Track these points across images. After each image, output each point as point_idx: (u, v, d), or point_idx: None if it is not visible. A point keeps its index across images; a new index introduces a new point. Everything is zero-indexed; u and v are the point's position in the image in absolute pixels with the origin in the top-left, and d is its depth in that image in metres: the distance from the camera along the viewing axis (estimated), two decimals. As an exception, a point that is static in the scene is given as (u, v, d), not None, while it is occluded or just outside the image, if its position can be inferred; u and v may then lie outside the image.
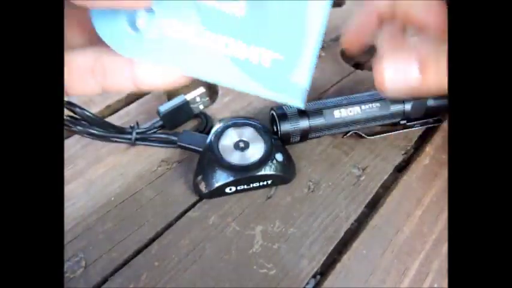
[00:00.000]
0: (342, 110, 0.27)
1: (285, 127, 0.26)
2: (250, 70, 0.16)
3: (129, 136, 0.26)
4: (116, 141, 0.27)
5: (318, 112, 0.26)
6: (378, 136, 0.29)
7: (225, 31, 0.16)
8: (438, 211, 0.24)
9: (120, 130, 0.27)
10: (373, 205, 0.25)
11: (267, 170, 0.24)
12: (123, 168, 0.26)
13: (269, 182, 0.24)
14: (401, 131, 0.29)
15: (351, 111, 0.27)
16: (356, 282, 0.21)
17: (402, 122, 0.29)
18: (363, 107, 0.27)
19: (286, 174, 0.25)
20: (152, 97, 0.31)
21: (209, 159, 0.24)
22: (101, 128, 0.26)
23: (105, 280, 0.20)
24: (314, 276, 0.21)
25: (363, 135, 0.28)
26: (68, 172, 0.25)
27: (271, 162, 0.24)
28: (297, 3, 0.16)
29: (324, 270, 0.22)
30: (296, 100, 0.17)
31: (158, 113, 0.27)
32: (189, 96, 0.27)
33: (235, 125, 0.25)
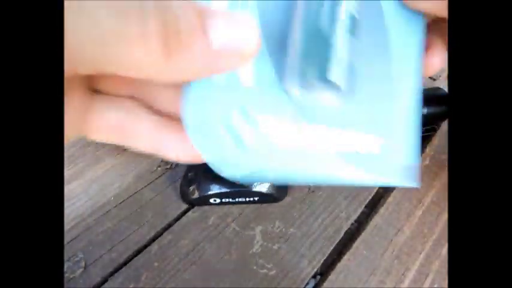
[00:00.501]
0: None
1: None
2: (361, 161, 0.16)
3: None
4: None
5: None
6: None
7: (325, 122, 0.15)
8: (438, 211, 0.24)
9: None
10: (373, 205, 0.25)
11: (259, 187, 0.23)
12: (123, 169, 0.26)
13: (256, 198, 0.24)
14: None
15: None
16: (356, 282, 0.21)
17: None
18: None
19: (278, 194, 0.24)
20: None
21: (200, 166, 0.23)
22: None
23: (105, 280, 0.20)
24: (314, 277, 0.21)
25: None
26: (67, 172, 0.25)
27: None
28: (387, 87, 0.16)
29: (324, 271, 0.22)
30: (411, 181, 0.16)
31: None
32: None
33: None
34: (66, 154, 0.26)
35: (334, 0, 0.14)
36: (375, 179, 0.16)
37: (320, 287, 0.21)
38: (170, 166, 0.26)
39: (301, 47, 0.14)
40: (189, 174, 0.24)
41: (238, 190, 0.23)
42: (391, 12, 0.16)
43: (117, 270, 0.21)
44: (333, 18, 0.14)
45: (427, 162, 0.27)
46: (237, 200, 0.23)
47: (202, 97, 0.15)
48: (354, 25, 0.14)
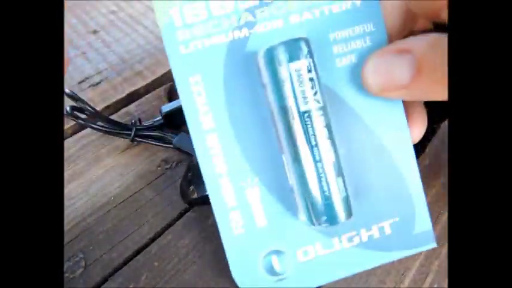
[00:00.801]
0: None
1: None
2: (379, 245, 0.17)
3: (128, 132, 0.26)
4: (116, 135, 0.27)
5: None
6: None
7: (343, 230, 0.17)
8: (438, 211, 0.24)
9: (122, 126, 0.27)
10: (373, 205, 0.25)
11: None
12: (123, 168, 0.26)
13: None
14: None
15: None
16: (356, 282, 0.21)
17: None
18: None
19: None
20: (152, 97, 0.31)
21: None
22: (104, 122, 0.26)
23: (105, 280, 0.20)
24: (314, 276, 0.21)
25: None
26: (67, 172, 0.25)
27: None
28: (389, 169, 0.17)
29: (324, 270, 0.22)
30: (428, 244, 0.18)
31: (160, 112, 0.27)
32: None
33: None
34: (66, 154, 0.26)
35: (313, 154, 0.15)
36: (394, 256, 0.17)
37: (320, 286, 0.21)
38: (170, 166, 0.26)
39: (300, 192, 0.16)
40: (189, 174, 0.24)
41: None
42: (361, 105, 0.16)
43: (117, 270, 0.21)
44: (317, 174, 0.15)
45: (427, 162, 0.27)
46: None
47: (232, 248, 0.17)
48: (339, 168, 0.15)
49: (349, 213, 0.16)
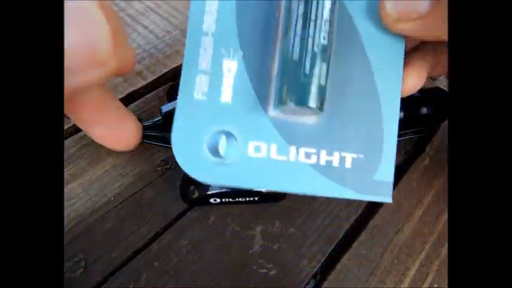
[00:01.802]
0: None
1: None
2: (334, 175, 0.16)
3: None
4: None
5: None
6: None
7: (304, 143, 0.16)
8: (438, 211, 0.24)
9: None
10: (373, 205, 0.25)
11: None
12: (123, 168, 0.26)
13: (256, 198, 0.23)
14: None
15: None
16: (356, 282, 0.21)
17: None
18: None
19: (278, 194, 0.24)
20: (152, 97, 0.31)
21: None
22: None
23: (105, 280, 0.20)
24: (314, 277, 0.21)
25: None
26: (67, 172, 0.25)
27: None
28: (371, 105, 0.17)
29: (324, 270, 0.22)
30: (384, 196, 0.17)
31: (160, 112, 0.27)
32: None
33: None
34: (66, 154, 0.26)
35: (304, 31, 0.14)
36: (346, 193, 0.17)
37: (320, 287, 0.21)
38: (170, 166, 0.26)
39: (279, 75, 0.15)
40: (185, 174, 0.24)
41: (239, 190, 0.23)
42: (369, 35, 0.16)
43: (117, 270, 0.21)
44: (305, 50, 0.14)
45: (427, 162, 0.27)
46: (237, 199, 0.23)
47: (185, 111, 0.16)
48: (325, 53, 0.15)
49: (321, 104, 0.14)
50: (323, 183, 0.16)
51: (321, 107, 0.15)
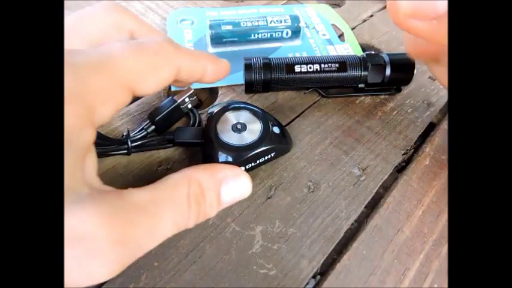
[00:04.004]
0: (303, 65, 0.29)
1: (249, 76, 0.29)
2: None
3: (125, 146, 0.26)
4: (114, 155, 0.26)
5: (280, 66, 0.29)
6: (338, 97, 0.32)
7: None
8: (438, 211, 0.24)
9: (114, 141, 0.26)
10: (373, 205, 0.25)
11: (269, 144, 0.25)
12: (123, 169, 0.26)
13: (272, 154, 0.25)
14: (361, 94, 0.32)
15: (310, 68, 0.29)
16: (356, 282, 0.21)
17: (360, 85, 0.31)
18: (323, 65, 0.30)
19: (286, 144, 0.27)
20: (152, 97, 0.31)
21: (212, 146, 0.24)
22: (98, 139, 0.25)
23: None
24: (314, 277, 0.21)
25: (322, 93, 0.31)
26: (67, 172, 0.25)
27: (270, 135, 0.25)
28: None
29: (324, 270, 0.22)
30: None
31: (151, 119, 0.27)
32: (179, 98, 0.27)
33: (230, 110, 0.26)
34: (66, 154, 0.26)
35: None
36: None
37: (320, 287, 0.21)
38: (170, 166, 0.26)
39: None
40: (203, 160, 0.24)
41: (252, 154, 0.24)
42: None
43: (117, 270, 0.21)
44: None
45: (427, 162, 0.27)
46: (258, 162, 0.25)
47: None
48: None
49: None
50: None
51: None
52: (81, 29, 0.17)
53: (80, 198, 0.13)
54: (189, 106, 0.28)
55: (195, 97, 0.28)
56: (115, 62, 0.16)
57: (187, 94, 0.28)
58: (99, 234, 0.13)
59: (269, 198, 0.24)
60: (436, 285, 0.21)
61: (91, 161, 0.16)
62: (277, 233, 0.23)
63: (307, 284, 0.21)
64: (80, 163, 0.14)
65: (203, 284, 0.20)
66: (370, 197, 0.25)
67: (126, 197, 0.14)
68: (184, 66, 0.19)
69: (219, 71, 0.22)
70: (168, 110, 0.27)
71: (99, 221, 0.13)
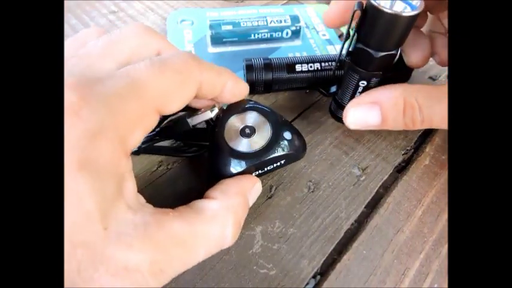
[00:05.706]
0: (304, 64, 0.29)
1: (251, 77, 0.29)
2: None
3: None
4: None
5: (281, 66, 0.29)
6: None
7: None
8: (438, 211, 0.24)
9: None
10: (373, 205, 0.25)
11: (279, 152, 0.22)
12: (123, 168, 0.26)
13: (282, 162, 0.23)
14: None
15: (311, 67, 0.29)
16: (356, 282, 0.21)
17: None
18: (323, 64, 0.30)
19: (297, 152, 0.23)
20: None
21: (218, 150, 0.23)
22: None
23: (105, 280, 0.20)
24: (314, 277, 0.21)
25: (324, 92, 0.30)
26: (67, 172, 0.25)
27: (281, 142, 0.23)
28: None
29: (324, 270, 0.22)
30: None
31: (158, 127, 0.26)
32: (195, 120, 0.24)
33: (237, 112, 0.23)
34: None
35: None
36: None
37: (320, 287, 0.21)
38: (170, 166, 0.26)
39: None
40: (209, 162, 0.23)
41: (260, 161, 0.22)
42: None
43: (117, 270, 0.21)
44: None
45: (427, 162, 0.27)
46: (266, 169, 0.23)
47: None
48: None
49: None
50: None
51: None
52: (112, 50, 0.17)
53: (124, 227, 0.15)
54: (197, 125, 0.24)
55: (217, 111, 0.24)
56: (141, 84, 0.16)
57: (204, 119, 0.23)
58: (143, 268, 0.14)
59: (269, 198, 0.24)
60: (436, 285, 0.21)
61: (131, 185, 0.16)
62: (277, 233, 0.23)
63: (307, 284, 0.21)
64: (117, 195, 0.15)
65: (203, 284, 0.20)
66: (370, 197, 0.25)
67: (166, 229, 0.16)
68: (206, 80, 0.19)
69: (238, 90, 0.22)
70: (173, 119, 0.25)
71: (143, 257, 0.15)
